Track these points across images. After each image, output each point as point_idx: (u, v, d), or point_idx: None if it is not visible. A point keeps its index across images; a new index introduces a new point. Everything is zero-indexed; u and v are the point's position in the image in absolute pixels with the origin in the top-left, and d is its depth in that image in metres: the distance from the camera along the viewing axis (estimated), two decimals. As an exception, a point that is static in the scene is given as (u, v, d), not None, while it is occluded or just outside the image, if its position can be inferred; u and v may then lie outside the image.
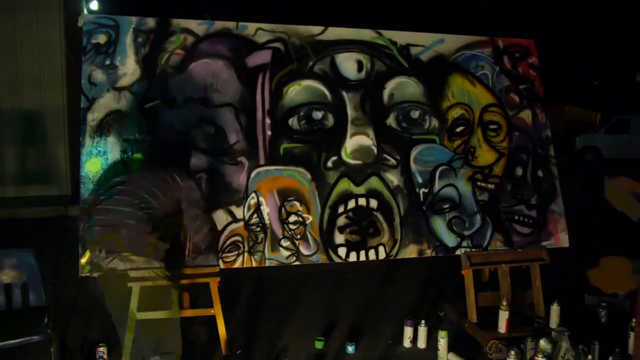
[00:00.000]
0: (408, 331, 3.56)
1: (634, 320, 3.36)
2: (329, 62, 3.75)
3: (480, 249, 3.81)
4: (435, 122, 3.87)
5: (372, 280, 4.87)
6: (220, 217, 3.40)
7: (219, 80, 3.53)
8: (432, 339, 3.49)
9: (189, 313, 3.48)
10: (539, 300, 3.80)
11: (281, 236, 3.48)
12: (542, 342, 3.18)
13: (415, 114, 3.84)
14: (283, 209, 3.51)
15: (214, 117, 3.48)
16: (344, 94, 3.74)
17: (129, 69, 3.41)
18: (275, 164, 3.55)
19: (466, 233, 3.80)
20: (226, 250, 3.39)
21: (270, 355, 3.38)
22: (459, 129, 3.91)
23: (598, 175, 3.59)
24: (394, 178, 3.73)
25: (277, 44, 3.69)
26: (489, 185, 3.90)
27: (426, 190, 3.77)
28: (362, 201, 3.65)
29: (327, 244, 3.55)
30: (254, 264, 3.44)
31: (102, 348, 3.13)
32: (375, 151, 3.72)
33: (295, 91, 3.66)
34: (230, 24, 3.66)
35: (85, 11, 11.36)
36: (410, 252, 3.70)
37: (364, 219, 3.64)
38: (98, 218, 3.01)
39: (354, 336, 3.63)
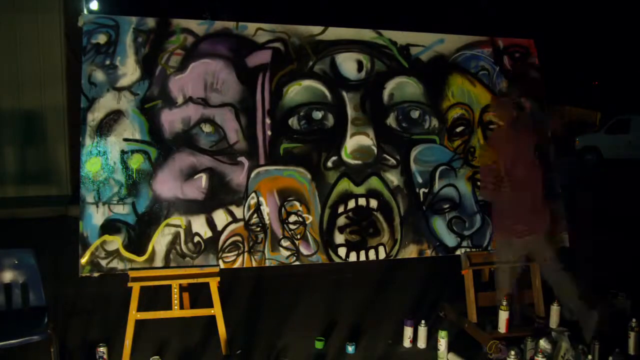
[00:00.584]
0: (408, 331, 3.55)
1: (634, 320, 3.36)
2: (329, 62, 3.75)
3: (480, 249, 3.81)
4: (435, 122, 3.87)
5: (372, 280, 4.86)
6: (220, 217, 3.41)
7: (219, 80, 3.53)
8: (432, 339, 3.49)
9: (189, 313, 3.49)
10: (539, 300, 3.80)
11: (281, 236, 3.49)
12: (542, 342, 3.18)
13: (415, 114, 3.84)
14: (283, 209, 3.51)
15: (214, 117, 3.48)
16: (344, 94, 3.74)
17: (129, 69, 3.41)
18: (275, 164, 3.55)
19: (466, 233, 3.80)
20: (226, 250, 3.39)
21: (270, 355, 3.37)
22: (459, 129, 3.92)
23: (598, 175, 3.60)
24: (394, 178, 3.73)
25: (277, 44, 3.69)
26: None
27: (426, 190, 3.78)
28: (362, 201, 3.65)
29: (327, 244, 3.56)
30: (254, 264, 3.44)
31: (102, 348, 3.13)
32: (375, 151, 3.72)
33: (295, 91, 3.66)
34: (230, 24, 3.66)
35: (85, 11, 11.38)
36: (410, 252, 3.70)
37: (364, 219, 3.64)
38: None
39: (354, 336, 3.62)
